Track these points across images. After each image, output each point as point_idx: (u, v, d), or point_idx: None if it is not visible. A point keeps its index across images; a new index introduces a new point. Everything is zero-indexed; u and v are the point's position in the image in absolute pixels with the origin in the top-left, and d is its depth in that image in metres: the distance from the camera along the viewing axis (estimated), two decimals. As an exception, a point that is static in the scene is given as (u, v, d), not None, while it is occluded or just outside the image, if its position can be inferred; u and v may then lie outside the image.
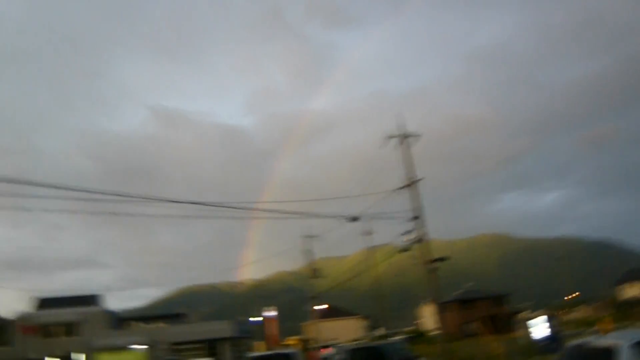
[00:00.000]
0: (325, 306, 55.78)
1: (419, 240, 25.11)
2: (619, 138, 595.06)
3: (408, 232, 26.59)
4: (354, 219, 21.46)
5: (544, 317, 26.59)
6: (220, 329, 48.65)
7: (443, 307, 79.91)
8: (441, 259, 25.44)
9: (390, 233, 26.71)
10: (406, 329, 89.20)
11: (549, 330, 24.40)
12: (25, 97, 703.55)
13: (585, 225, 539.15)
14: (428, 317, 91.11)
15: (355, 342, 50.58)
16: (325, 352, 41.55)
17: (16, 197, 15.15)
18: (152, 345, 45.18)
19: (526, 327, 28.51)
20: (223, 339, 47.56)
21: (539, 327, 27.01)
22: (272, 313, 56.20)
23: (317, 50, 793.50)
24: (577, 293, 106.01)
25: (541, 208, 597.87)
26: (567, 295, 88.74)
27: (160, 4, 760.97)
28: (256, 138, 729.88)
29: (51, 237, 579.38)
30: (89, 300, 58.08)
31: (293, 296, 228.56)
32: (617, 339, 7.31)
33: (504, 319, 71.29)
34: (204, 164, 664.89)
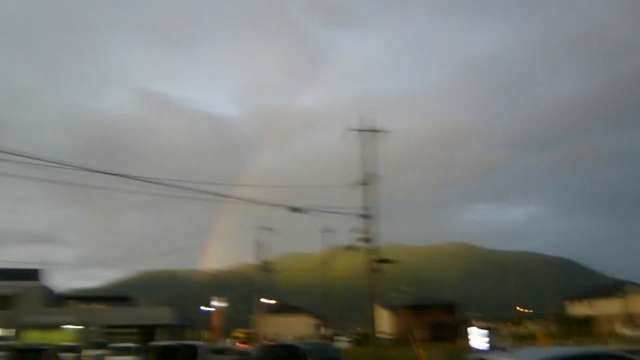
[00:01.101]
0: (273, 301, 54.70)
1: (367, 240, 24.10)
2: (590, 160, 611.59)
3: (356, 229, 25.63)
4: (296, 209, 20.38)
5: (483, 330, 26.10)
6: (160, 315, 47.18)
7: (396, 311, 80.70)
8: (386, 261, 24.65)
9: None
10: (354, 331, 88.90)
11: (487, 342, 23.85)
12: (5, 69, 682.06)
13: (549, 242, 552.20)
14: (380, 320, 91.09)
15: (282, 340, 49.77)
16: (242, 347, 40.33)
17: None
18: (85, 326, 43.40)
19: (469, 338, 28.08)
20: (162, 326, 46.09)
21: (478, 339, 26.53)
22: (221, 304, 54.80)
23: (313, 47, 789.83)
24: (528, 309, 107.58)
25: (508, 222, 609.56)
26: (520, 309, 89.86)
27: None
28: (241, 129, 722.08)
29: (13, 209, 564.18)
30: (28, 275, 55.81)
31: (250, 289, 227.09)
32: (521, 357, 6.63)
33: (453, 327, 71.60)
34: (184, 151, 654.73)
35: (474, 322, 73.29)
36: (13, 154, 15.51)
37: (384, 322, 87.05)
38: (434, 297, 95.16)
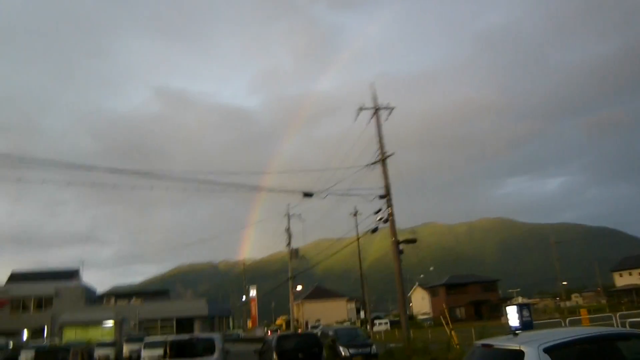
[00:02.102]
0: (299, 287, 54.56)
1: (385, 220, 23.40)
2: (625, 124, 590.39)
3: (378, 211, 24.98)
4: (308, 194, 19.92)
5: (517, 306, 25.12)
6: (197, 307, 47.63)
7: (434, 291, 79.81)
8: (410, 241, 23.79)
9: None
10: (395, 313, 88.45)
11: (518, 319, 22.87)
12: (28, 76, 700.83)
13: (589, 212, 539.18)
14: (420, 302, 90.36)
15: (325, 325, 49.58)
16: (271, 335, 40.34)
17: (17, 170, 16.15)
18: (121, 322, 44.19)
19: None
20: (199, 318, 46.56)
21: (513, 315, 25.61)
22: (253, 293, 55.03)
23: (323, 32, 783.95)
24: (573, 282, 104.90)
25: (544, 194, 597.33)
26: (563, 283, 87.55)
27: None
28: (260, 119, 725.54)
29: (51, 213, 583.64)
30: (69, 275, 57.29)
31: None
32: (527, 342, 5.96)
33: (494, 305, 70.24)
34: (208, 144, 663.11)
35: (516, 299, 71.81)
36: (50, 164, 16.15)
37: (424, 303, 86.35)
38: (473, 274, 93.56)
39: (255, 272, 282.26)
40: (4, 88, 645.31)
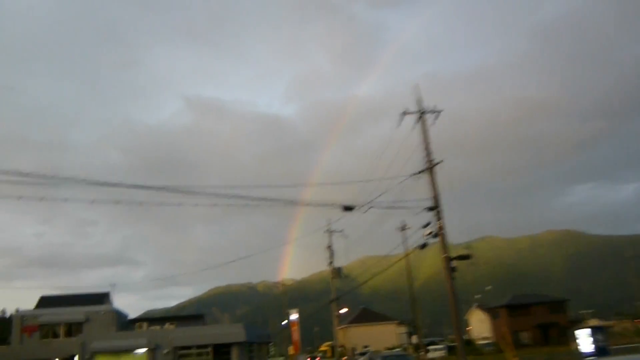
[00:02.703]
0: (344, 310, 54.10)
1: (436, 235, 22.96)
2: None
3: (429, 225, 24.60)
4: (348, 208, 19.76)
5: (590, 329, 24.13)
6: (234, 333, 47.70)
7: (495, 313, 77.84)
8: (464, 257, 23.31)
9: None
10: (451, 337, 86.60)
11: (593, 344, 21.91)
12: (58, 90, 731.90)
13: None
14: (479, 324, 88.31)
15: (386, 350, 48.86)
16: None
17: (46, 188, 16.81)
18: (155, 349, 44.72)
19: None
20: (237, 344, 46.62)
21: (585, 340, 24.58)
22: (294, 316, 54.97)
23: (363, 32, 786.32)
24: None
25: (617, 202, 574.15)
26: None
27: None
28: (298, 128, 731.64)
29: (81, 233, 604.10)
30: (99, 299, 58.71)
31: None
32: None
33: (563, 328, 67.92)
34: (242, 156, 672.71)
35: (589, 322, 69.17)
36: (76, 179, 16.74)
37: (484, 326, 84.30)
38: (537, 293, 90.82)
39: (296, 294, 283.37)
40: (31, 102, 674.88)
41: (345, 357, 59.32)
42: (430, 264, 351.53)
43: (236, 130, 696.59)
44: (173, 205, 21.13)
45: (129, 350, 45.19)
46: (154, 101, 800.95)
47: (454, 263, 23.12)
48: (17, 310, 55.59)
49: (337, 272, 43.94)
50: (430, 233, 23.87)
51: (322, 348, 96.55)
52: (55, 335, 49.35)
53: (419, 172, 24.18)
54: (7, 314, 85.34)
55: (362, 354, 51.72)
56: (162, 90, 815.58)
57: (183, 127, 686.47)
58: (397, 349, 67.24)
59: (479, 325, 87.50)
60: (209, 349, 45.41)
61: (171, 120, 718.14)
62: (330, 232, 43.86)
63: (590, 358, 18.96)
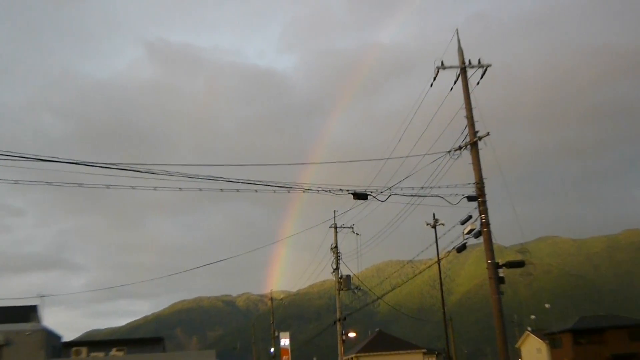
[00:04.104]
0: (352, 334, 54.36)
1: (479, 234, 23.03)
2: None
3: (467, 220, 24.72)
4: (361, 196, 19.88)
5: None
6: (203, 362, 48.27)
7: (556, 340, 78.45)
8: (516, 264, 23.31)
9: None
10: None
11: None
12: None
13: None
14: (532, 354, 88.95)
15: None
16: None
17: None
18: (98, 384, 45.24)
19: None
20: (207, 378, 47.08)
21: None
22: (285, 342, 55.42)
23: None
24: None
25: None
26: None
27: None
28: (297, 85, 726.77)
29: (1, 225, 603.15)
30: (24, 314, 58.95)
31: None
32: None
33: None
34: (222, 123, 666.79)
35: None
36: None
37: (541, 357, 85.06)
38: (613, 314, 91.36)
39: (289, 311, 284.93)
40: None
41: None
42: (470, 273, 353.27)
43: (215, 88, 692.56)
44: (126, 188, 20.50)
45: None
46: (105, 47, 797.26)
47: (503, 272, 23.01)
48: None
49: (345, 282, 43.91)
50: (471, 231, 23.88)
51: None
52: (-35, 363, 49.78)
53: (459, 149, 24.31)
54: None
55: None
56: (116, 33, 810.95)
57: (144, 83, 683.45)
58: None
59: (535, 356, 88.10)
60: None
61: (128, 73, 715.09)
62: (336, 227, 43.79)
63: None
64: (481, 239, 23.46)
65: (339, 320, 44.71)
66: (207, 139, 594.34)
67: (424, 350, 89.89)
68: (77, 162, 18.03)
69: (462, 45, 25.21)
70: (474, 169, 23.83)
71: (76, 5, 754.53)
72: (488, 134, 23.75)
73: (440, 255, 45.67)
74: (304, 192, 23.17)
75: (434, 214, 46.16)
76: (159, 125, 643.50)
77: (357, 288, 47.53)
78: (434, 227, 46.49)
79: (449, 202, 24.02)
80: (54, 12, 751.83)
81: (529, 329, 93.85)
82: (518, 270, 24.93)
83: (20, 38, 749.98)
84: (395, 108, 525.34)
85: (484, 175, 23.77)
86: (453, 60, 25.02)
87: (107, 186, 19.50)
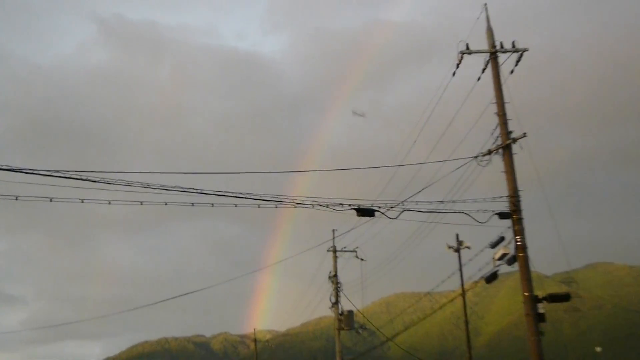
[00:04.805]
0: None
1: (513, 260, 22.75)
2: None
3: (498, 242, 24.63)
4: (365, 212, 19.68)
5: None
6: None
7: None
8: (560, 298, 23.00)
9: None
10: None
11: None
12: None
13: None
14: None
15: None
16: None
17: None
18: None
19: None
20: None
21: None
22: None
23: None
24: None
25: None
26: None
27: None
28: (286, 72, 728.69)
29: None
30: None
31: None
32: None
33: None
34: (193, 120, 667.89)
35: None
36: None
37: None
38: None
39: (277, 355, 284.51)
40: None
41: None
42: (502, 308, 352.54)
43: (184, 76, 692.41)
44: (74, 202, 20.62)
45: None
46: (47, 25, 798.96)
47: (543, 307, 22.74)
48: None
49: (347, 319, 43.40)
50: (503, 256, 23.70)
51: None
52: None
53: (488, 153, 24.30)
54: None
55: None
56: (63, 9, 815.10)
57: (96, 70, 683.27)
58: None
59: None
60: None
61: (76, 57, 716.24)
62: (335, 251, 43.25)
63: None
64: (516, 266, 23.41)
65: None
66: (175, 140, 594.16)
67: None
68: (12, 168, 18.06)
69: (492, 24, 25.11)
70: (507, 178, 23.79)
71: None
72: (525, 135, 23.74)
73: (465, 287, 45.13)
74: (295, 206, 23.26)
75: (457, 235, 45.68)
76: (114, 123, 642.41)
77: (361, 327, 47.42)
78: (458, 251, 46.21)
79: (476, 220, 24.05)
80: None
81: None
82: (562, 305, 24.35)
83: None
84: (408, 102, 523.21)
85: (520, 186, 23.65)
86: (481, 42, 24.98)
87: (50, 199, 19.75)
